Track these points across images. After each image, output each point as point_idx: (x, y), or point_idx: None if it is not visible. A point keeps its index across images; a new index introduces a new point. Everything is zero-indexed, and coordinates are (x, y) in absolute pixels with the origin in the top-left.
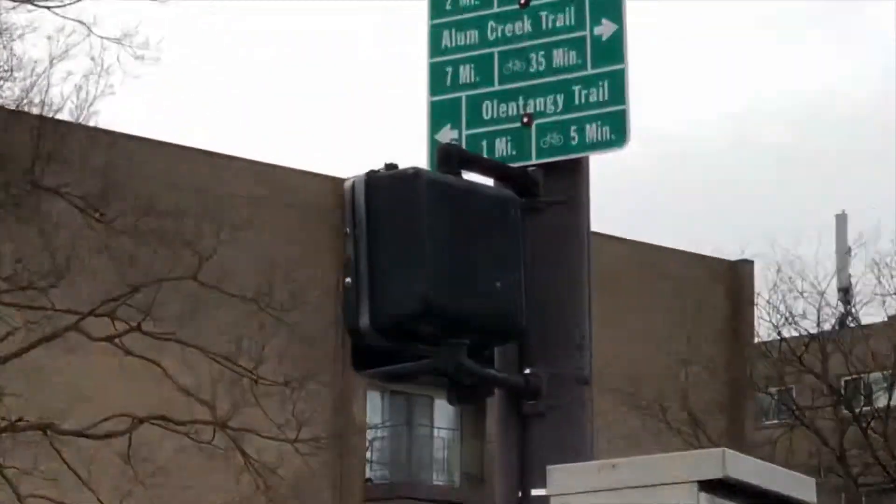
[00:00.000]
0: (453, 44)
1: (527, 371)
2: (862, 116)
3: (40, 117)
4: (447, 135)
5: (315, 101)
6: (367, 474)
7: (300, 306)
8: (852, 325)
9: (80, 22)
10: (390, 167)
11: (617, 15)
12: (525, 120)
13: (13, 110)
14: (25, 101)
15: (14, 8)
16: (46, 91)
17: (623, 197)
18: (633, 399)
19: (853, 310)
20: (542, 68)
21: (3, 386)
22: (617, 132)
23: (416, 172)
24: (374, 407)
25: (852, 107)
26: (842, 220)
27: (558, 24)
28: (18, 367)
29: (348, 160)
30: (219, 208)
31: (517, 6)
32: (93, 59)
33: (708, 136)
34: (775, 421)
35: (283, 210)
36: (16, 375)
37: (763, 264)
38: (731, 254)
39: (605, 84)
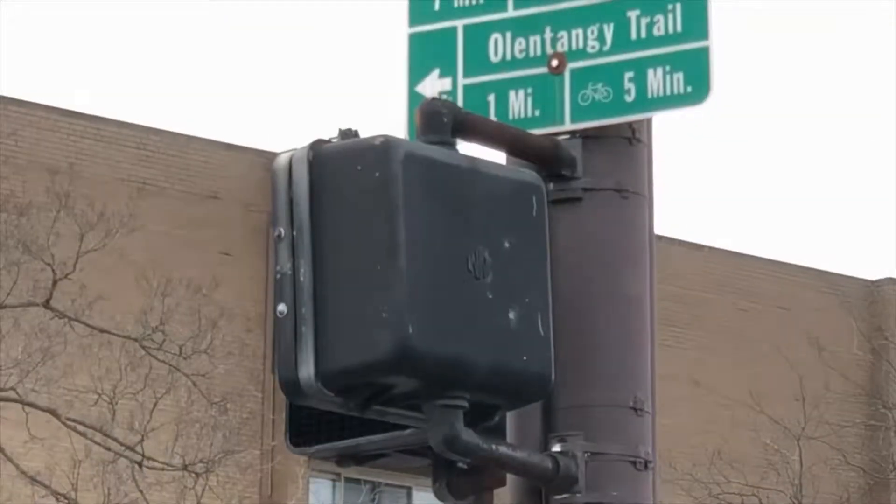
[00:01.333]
0: None
1: (556, 448)
2: None
3: None
4: (435, 85)
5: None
6: None
7: (207, 349)
8: None
9: None
10: (347, 135)
11: None
12: (554, 63)
13: None
14: None
15: None
16: None
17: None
18: (717, 489)
19: None
20: None
21: None
22: (696, 81)
23: (387, 142)
24: (320, 503)
25: None
26: None
27: None
28: None
29: (275, 131)
30: (82, 197)
31: None
32: None
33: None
34: None
35: (179, 200)
36: None
37: None
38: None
39: (678, 7)
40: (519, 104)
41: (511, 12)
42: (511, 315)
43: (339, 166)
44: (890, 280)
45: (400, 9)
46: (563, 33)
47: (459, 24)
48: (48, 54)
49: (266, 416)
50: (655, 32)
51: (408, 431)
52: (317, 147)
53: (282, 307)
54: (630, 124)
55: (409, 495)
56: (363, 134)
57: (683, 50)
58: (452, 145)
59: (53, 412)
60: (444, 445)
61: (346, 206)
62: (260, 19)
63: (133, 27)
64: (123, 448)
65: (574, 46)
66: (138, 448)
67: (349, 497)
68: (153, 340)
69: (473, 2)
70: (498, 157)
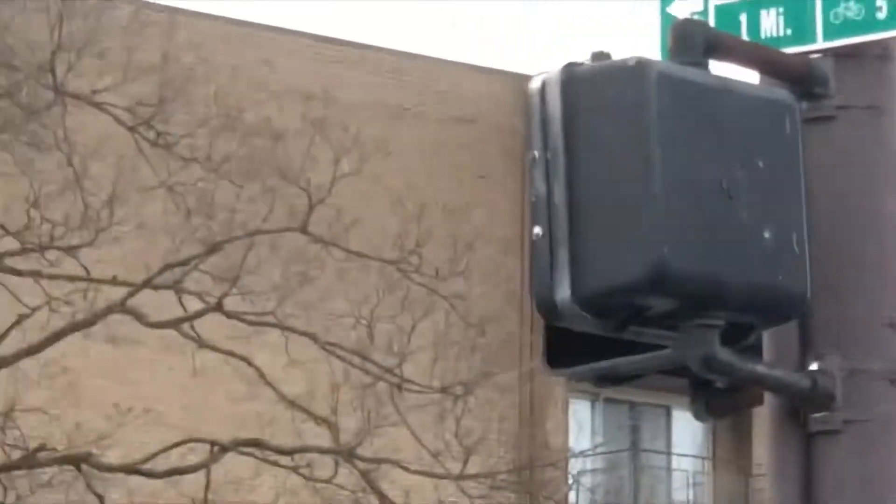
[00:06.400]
0: None
1: (813, 366)
2: None
3: None
4: (686, 6)
5: None
6: None
7: (464, 271)
8: None
9: None
10: (599, 57)
11: None
12: None
13: None
14: None
15: None
16: None
17: None
18: None
19: None
20: None
21: (16, 397)
22: None
23: (640, 64)
24: (579, 424)
25: None
26: None
27: None
28: (38, 369)
29: (531, 53)
30: (338, 124)
31: None
32: None
33: None
34: None
35: (434, 124)
36: (34, 382)
37: None
38: None
39: None
40: (770, 23)
41: None
42: (766, 234)
43: (592, 88)
44: None
45: None
46: None
47: None
48: None
49: (524, 337)
50: None
51: (665, 352)
52: (570, 69)
53: (537, 229)
54: (882, 41)
55: (667, 414)
56: (616, 57)
57: None
58: (705, 66)
59: (312, 336)
60: (701, 365)
61: (600, 127)
62: None
63: None
64: (382, 371)
65: None
66: (397, 371)
67: (608, 417)
68: (410, 263)
69: None
70: (750, 76)
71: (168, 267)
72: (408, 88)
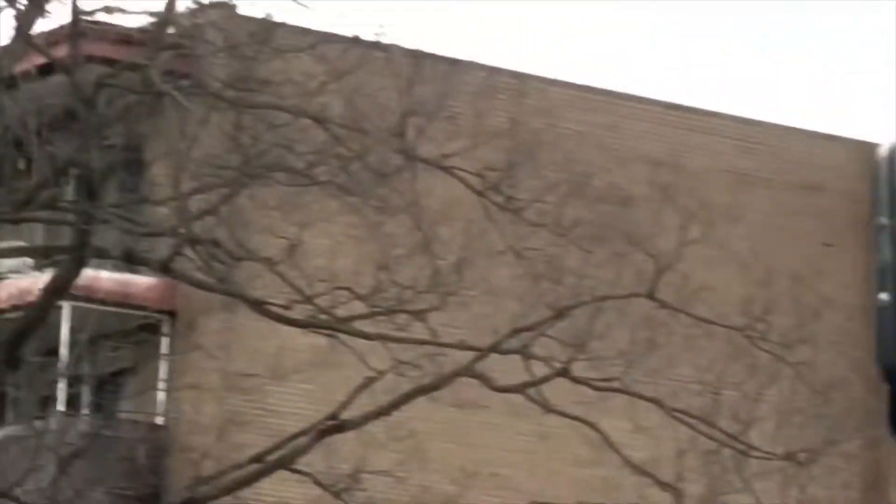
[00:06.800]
0: None
1: None
2: None
3: (414, 53)
4: None
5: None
6: None
7: (810, 338)
8: None
9: None
10: None
11: None
12: None
13: (373, 42)
14: (389, 27)
15: None
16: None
17: None
18: None
19: None
20: None
21: (363, 460)
22: None
23: None
24: None
25: None
26: None
27: None
28: (385, 431)
29: (879, 119)
30: (685, 189)
31: None
32: None
33: None
34: None
35: (780, 191)
36: (381, 444)
37: None
38: None
39: None
40: None
41: None
42: None
43: None
44: None
45: None
46: None
47: None
48: (648, 49)
49: (869, 404)
50: None
51: None
52: None
53: (884, 296)
54: None
55: None
56: None
57: None
58: None
59: (658, 402)
60: None
61: None
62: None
63: (726, 19)
64: (728, 438)
65: None
66: (742, 437)
67: None
68: (756, 330)
69: None
70: None
71: (516, 332)
72: (754, 155)
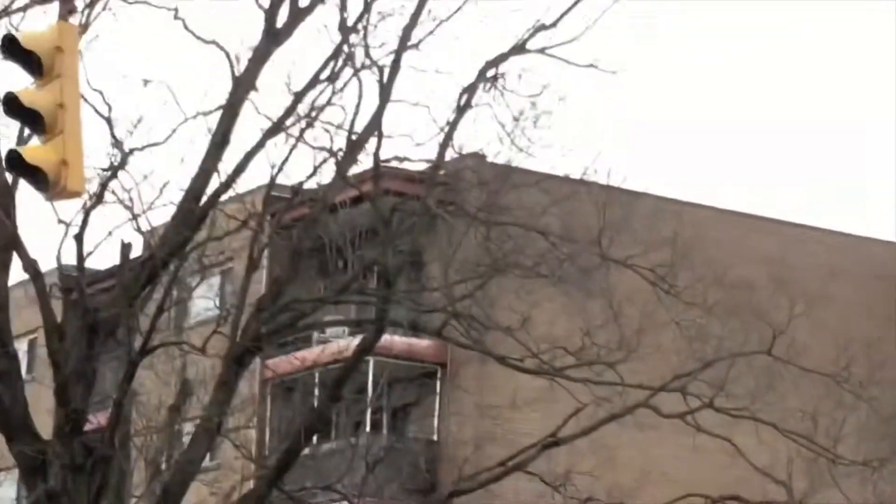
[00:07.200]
0: None
1: None
2: None
3: (607, 187)
4: None
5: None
6: None
7: (880, 382)
8: None
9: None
10: None
11: None
12: None
13: (579, 180)
14: (590, 169)
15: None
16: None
17: None
18: None
19: None
20: None
21: (572, 464)
22: None
23: None
24: None
25: None
26: None
27: None
28: (587, 445)
29: None
30: (792, 280)
31: None
32: None
33: None
34: None
35: (862, 282)
36: (584, 454)
37: None
38: None
39: None
40: None
41: None
42: None
43: None
44: None
45: None
46: None
47: None
48: (766, 174)
49: None
50: None
51: None
52: None
53: None
54: None
55: None
56: None
57: None
58: None
59: (774, 425)
60: None
61: None
62: None
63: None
64: (822, 450)
65: None
66: (832, 450)
67: None
68: (842, 376)
69: None
70: None
71: (677, 377)
72: (841, 254)
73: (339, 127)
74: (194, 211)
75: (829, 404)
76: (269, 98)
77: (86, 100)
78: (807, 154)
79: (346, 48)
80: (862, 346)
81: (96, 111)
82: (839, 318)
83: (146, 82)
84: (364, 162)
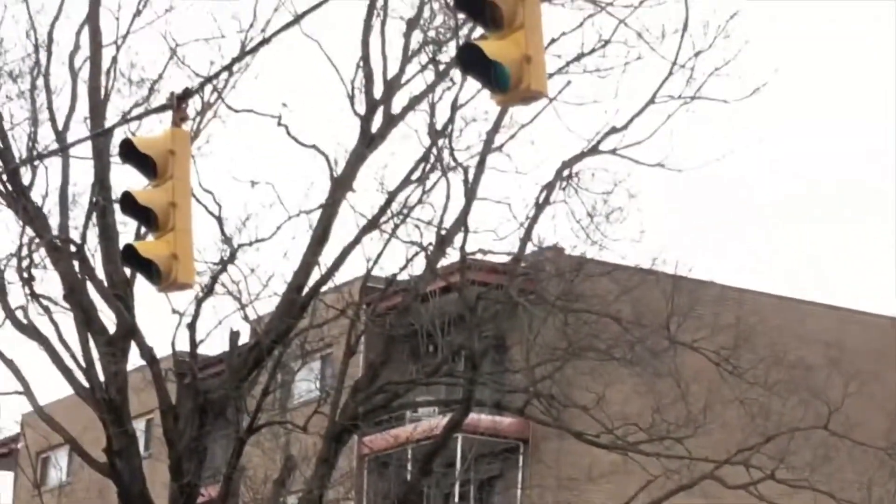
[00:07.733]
0: None
1: None
2: None
3: (674, 276)
4: None
5: None
6: None
7: None
8: None
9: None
10: None
11: None
12: None
13: (648, 269)
14: (658, 259)
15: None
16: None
17: None
18: None
19: None
20: None
21: None
22: None
23: None
24: None
25: None
26: None
27: None
28: None
29: None
30: (845, 360)
31: None
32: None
33: None
34: None
35: None
36: None
37: None
38: None
39: None
40: None
41: None
42: None
43: None
44: None
45: None
46: None
47: None
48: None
49: None
50: None
51: None
52: None
53: None
54: None
55: None
56: None
57: None
58: None
59: (831, 494)
60: None
61: None
62: None
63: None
64: None
65: None
66: None
67: None
68: (893, 449)
69: None
70: None
71: (740, 451)
72: (891, 336)
73: (428, 223)
74: (297, 301)
75: (883, 475)
76: (364, 197)
77: (198, 199)
78: (850, 237)
79: (434, 151)
80: None
81: (207, 210)
82: (890, 394)
83: (253, 183)
84: (452, 255)
